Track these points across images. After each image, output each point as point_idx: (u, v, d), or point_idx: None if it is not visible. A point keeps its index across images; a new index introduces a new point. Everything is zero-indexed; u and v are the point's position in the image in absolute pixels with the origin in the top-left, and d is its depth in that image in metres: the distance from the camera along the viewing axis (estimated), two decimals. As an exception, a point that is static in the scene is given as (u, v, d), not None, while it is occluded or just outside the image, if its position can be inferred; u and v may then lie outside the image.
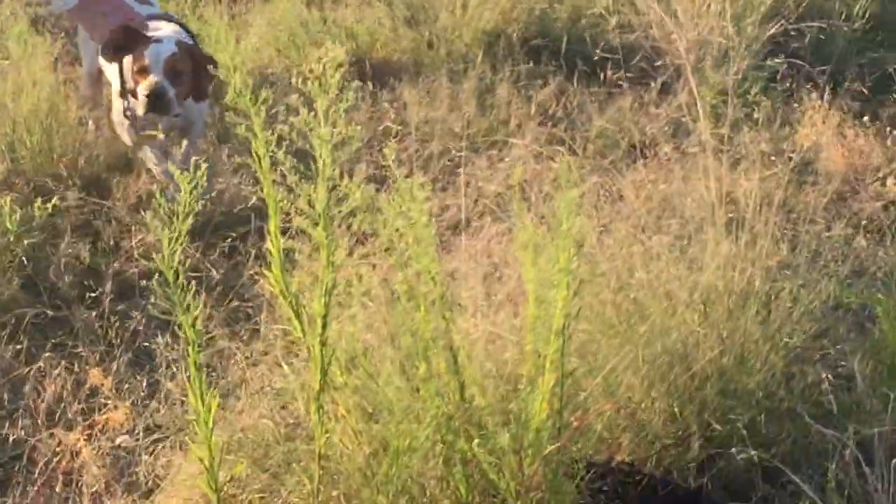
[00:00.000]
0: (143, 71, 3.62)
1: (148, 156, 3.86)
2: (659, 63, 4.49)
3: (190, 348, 2.07)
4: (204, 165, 2.02)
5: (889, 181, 3.81)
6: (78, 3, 3.82)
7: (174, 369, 2.76)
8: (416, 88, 4.57)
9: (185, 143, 3.88)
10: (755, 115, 3.41)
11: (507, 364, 2.25)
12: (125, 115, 3.74)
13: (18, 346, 3.05)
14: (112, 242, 3.44)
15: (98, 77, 4.20)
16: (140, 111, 3.61)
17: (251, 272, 3.18)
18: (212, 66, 3.60)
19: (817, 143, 3.55)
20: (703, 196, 2.39)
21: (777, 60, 4.11)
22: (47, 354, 3.00)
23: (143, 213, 3.44)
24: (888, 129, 4.17)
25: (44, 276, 3.33)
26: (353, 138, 2.02)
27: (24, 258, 3.33)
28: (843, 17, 4.92)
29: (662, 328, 2.25)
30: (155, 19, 4.02)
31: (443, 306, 2.14)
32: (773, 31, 3.82)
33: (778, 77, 4.22)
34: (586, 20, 5.33)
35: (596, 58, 4.66)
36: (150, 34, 3.76)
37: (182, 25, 4.05)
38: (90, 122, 4.16)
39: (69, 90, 4.17)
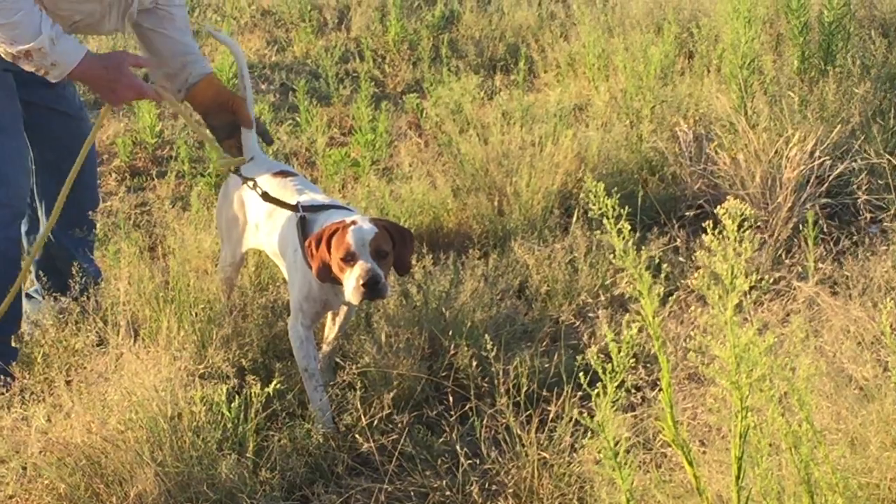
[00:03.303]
0: (349, 258, 3.33)
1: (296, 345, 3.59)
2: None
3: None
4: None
5: None
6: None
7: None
8: (533, 252, 4.72)
9: (343, 312, 3.80)
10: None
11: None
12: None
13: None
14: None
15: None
16: (355, 301, 3.34)
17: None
18: (408, 237, 3.55)
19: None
20: None
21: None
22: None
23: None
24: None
25: (267, 458, 3.27)
26: (763, 287, 2.18)
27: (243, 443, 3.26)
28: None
29: None
30: (281, 175, 3.89)
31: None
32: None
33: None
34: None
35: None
36: (304, 202, 3.65)
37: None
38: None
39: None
